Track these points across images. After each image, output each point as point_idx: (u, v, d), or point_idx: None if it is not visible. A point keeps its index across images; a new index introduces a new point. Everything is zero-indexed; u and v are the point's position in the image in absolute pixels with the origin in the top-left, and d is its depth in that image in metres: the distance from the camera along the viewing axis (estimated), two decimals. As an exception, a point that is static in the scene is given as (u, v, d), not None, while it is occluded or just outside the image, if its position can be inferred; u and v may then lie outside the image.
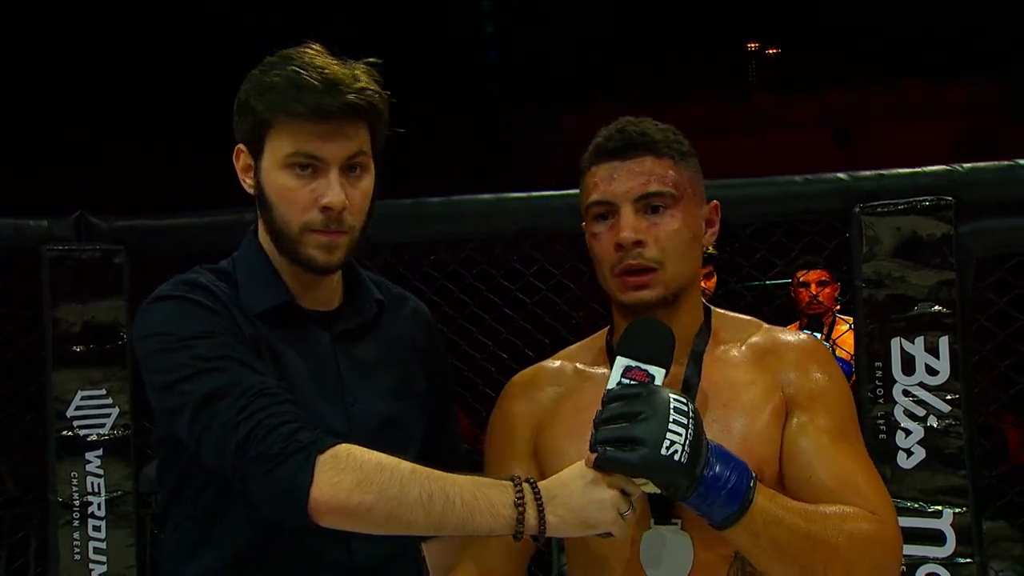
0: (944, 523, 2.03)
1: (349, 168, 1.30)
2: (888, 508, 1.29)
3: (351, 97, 1.26)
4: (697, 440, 1.16)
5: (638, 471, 1.15)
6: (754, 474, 1.20)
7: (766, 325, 1.42)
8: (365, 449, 1.19)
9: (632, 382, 1.20)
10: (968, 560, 2.02)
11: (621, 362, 1.22)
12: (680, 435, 1.14)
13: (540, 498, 1.17)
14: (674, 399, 1.16)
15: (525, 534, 1.17)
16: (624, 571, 1.31)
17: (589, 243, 1.36)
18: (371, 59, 1.32)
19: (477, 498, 1.16)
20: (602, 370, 1.37)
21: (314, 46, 1.31)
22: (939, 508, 2.03)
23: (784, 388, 1.33)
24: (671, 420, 1.14)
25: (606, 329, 1.45)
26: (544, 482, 1.19)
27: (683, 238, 1.31)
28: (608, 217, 1.33)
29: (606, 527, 1.18)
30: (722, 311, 1.44)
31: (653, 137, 1.33)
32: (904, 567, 2.02)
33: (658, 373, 1.21)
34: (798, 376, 1.34)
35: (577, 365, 1.43)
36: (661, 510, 1.30)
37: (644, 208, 1.31)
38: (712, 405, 1.32)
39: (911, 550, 2.02)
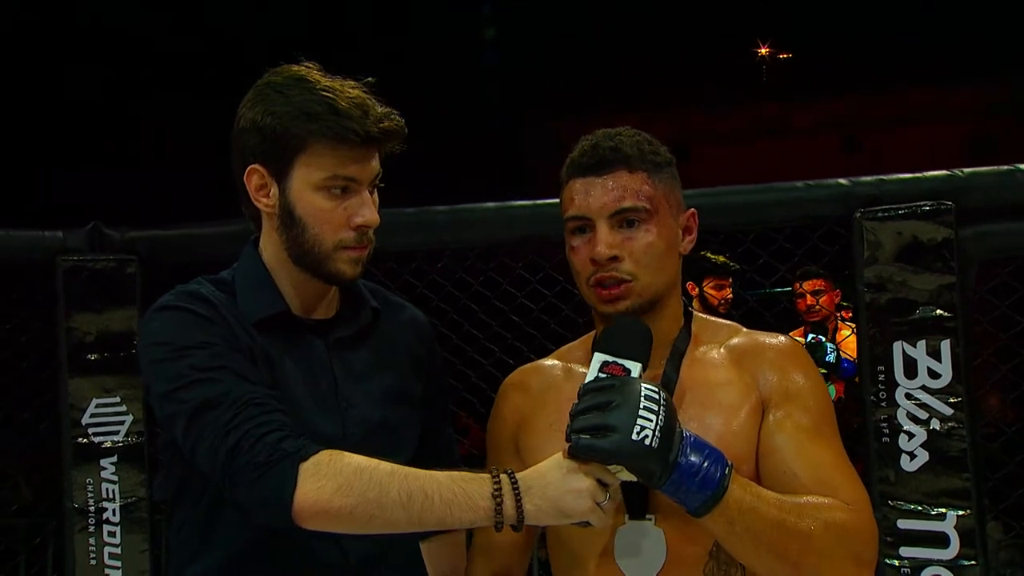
0: (948, 526, 2.03)
1: (372, 187, 1.37)
2: (863, 500, 1.32)
3: (386, 124, 1.33)
4: (668, 427, 1.19)
5: (611, 457, 1.18)
6: (730, 462, 1.23)
7: (745, 329, 1.45)
8: (347, 454, 1.24)
9: (608, 376, 1.23)
10: (972, 562, 2.03)
11: (599, 358, 1.26)
12: (651, 421, 1.17)
13: (518, 488, 1.21)
14: (645, 388, 1.20)
15: (504, 524, 1.20)
16: (598, 565, 1.34)
17: (568, 255, 1.40)
18: (369, 79, 1.37)
19: (455, 493, 1.20)
20: (584, 369, 1.40)
21: (312, 64, 1.37)
22: (943, 511, 2.03)
23: (761, 387, 1.36)
24: (641, 407, 1.17)
25: (594, 331, 1.47)
26: (522, 472, 1.23)
27: (657, 250, 1.35)
28: (585, 231, 1.36)
29: (582, 516, 1.21)
30: (703, 315, 1.47)
31: (626, 152, 1.35)
32: (908, 569, 2.04)
33: (634, 367, 1.25)
34: (775, 375, 1.36)
35: (565, 363, 1.47)
36: (635, 505, 1.33)
37: (619, 222, 1.34)
38: (689, 404, 1.35)
39: (915, 552, 2.04)
